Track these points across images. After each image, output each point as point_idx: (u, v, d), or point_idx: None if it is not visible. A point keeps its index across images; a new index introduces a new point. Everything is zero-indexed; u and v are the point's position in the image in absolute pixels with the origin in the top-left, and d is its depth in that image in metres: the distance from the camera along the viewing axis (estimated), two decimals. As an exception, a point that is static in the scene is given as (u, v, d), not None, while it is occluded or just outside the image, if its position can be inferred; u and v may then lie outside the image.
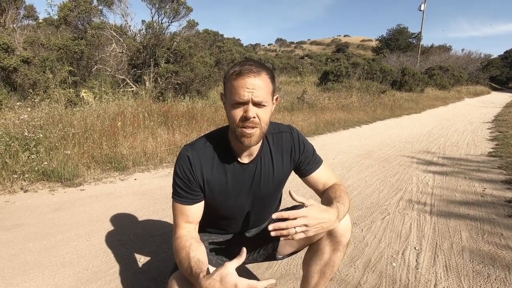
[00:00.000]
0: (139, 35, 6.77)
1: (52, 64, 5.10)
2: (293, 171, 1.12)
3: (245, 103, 0.85)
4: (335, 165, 3.71)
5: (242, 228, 1.15)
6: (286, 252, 1.14)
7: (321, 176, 1.09)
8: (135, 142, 3.77)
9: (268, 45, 56.70)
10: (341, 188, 1.02)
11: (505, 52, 41.13)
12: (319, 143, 4.94)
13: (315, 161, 1.09)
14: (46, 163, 2.91)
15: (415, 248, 1.86)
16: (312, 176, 1.08)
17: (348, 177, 3.26)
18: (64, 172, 2.89)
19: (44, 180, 2.84)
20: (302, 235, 0.79)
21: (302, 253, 1.21)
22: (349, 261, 1.71)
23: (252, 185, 1.02)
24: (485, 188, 2.91)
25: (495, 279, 1.55)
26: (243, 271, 1.60)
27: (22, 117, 3.25)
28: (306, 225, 0.78)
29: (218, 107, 5.82)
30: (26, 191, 2.64)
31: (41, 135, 3.12)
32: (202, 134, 1.05)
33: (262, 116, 0.88)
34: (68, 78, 5.13)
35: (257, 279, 1.55)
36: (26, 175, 2.77)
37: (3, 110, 4.00)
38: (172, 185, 0.97)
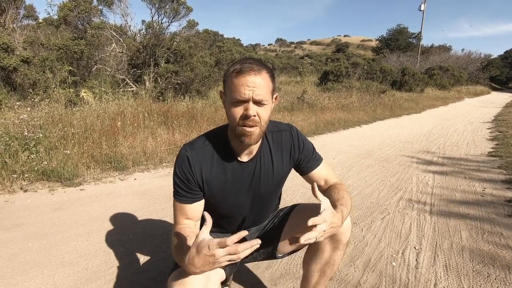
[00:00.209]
0: (139, 35, 6.77)
1: (52, 64, 5.10)
2: (294, 169, 1.12)
3: (246, 101, 0.85)
4: (335, 165, 3.71)
5: (242, 227, 1.15)
6: (286, 251, 1.14)
7: (322, 173, 1.09)
8: (135, 142, 3.77)
9: (268, 45, 56.72)
10: (343, 188, 1.02)
11: (505, 52, 41.14)
12: (319, 143, 4.94)
13: (315, 159, 1.09)
14: (45, 162, 2.91)
15: (415, 247, 1.86)
16: (313, 174, 1.08)
17: (348, 177, 3.26)
18: (63, 171, 2.89)
19: (43, 180, 2.84)
20: (319, 240, 0.80)
21: (302, 252, 1.21)
22: (349, 261, 1.71)
23: (252, 183, 1.02)
24: (485, 188, 2.91)
25: (495, 279, 1.55)
26: (243, 271, 1.59)
27: (21, 117, 3.25)
28: (324, 231, 0.79)
29: (218, 107, 5.82)
30: (25, 190, 2.64)
31: (41, 135, 3.12)
32: (202, 133, 1.05)
33: (262, 115, 0.87)
34: (68, 78, 5.13)
35: (257, 279, 1.55)
36: (26, 175, 2.76)
37: (2, 110, 4.00)
38: (173, 185, 0.97)
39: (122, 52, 6.52)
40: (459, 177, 3.27)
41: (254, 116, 0.85)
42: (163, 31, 6.63)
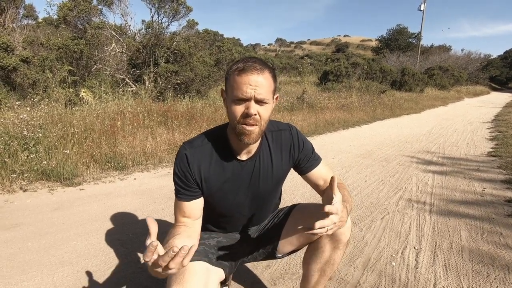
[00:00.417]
0: (138, 34, 6.77)
1: (52, 64, 5.09)
2: (293, 169, 1.12)
3: (247, 99, 0.85)
4: (335, 165, 3.71)
5: (242, 226, 1.15)
6: (286, 251, 1.14)
7: (321, 172, 1.09)
8: (135, 141, 3.77)
9: (268, 45, 56.70)
10: (343, 187, 1.03)
11: (504, 52, 41.16)
12: (319, 143, 4.94)
13: (315, 159, 1.09)
14: (45, 162, 2.90)
15: (414, 247, 1.86)
16: (312, 173, 1.08)
17: (348, 177, 3.26)
18: (63, 171, 2.89)
19: (43, 180, 2.84)
20: (330, 232, 0.80)
21: (301, 252, 1.21)
22: (348, 261, 1.71)
23: (251, 182, 1.02)
24: (484, 188, 2.91)
25: (495, 279, 1.55)
26: (243, 270, 1.59)
27: (21, 117, 3.25)
28: (334, 223, 0.79)
29: (217, 106, 5.82)
30: (25, 190, 2.64)
31: (41, 135, 3.12)
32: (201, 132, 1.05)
33: (262, 114, 0.87)
34: (67, 77, 5.12)
35: (257, 279, 1.55)
36: (25, 175, 2.76)
37: (2, 110, 4.00)
38: (173, 183, 0.98)
39: (122, 52, 6.51)
40: (459, 177, 3.27)
41: (255, 115, 0.85)
42: (163, 31, 6.63)
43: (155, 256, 0.63)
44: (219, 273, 0.95)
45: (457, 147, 4.82)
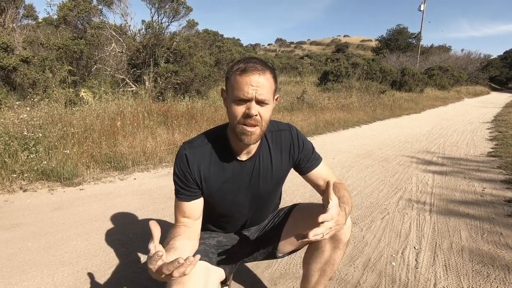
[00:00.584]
0: (138, 34, 6.77)
1: (52, 64, 5.10)
2: (293, 169, 1.11)
3: (248, 100, 0.85)
4: (335, 165, 3.71)
5: (242, 226, 1.15)
6: (286, 251, 1.14)
7: (322, 172, 1.09)
8: (135, 141, 3.77)
9: (268, 45, 56.74)
10: (343, 187, 1.02)
11: (504, 53, 41.18)
12: (319, 143, 4.94)
13: (315, 159, 1.09)
14: (45, 162, 2.90)
15: (414, 247, 1.86)
16: (312, 173, 1.08)
17: (348, 177, 3.26)
18: (63, 171, 2.89)
19: (43, 180, 2.84)
20: (327, 237, 0.79)
21: (302, 252, 1.20)
22: (348, 261, 1.71)
23: (251, 182, 1.02)
24: (484, 188, 2.91)
25: (495, 279, 1.55)
26: (243, 270, 1.59)
27: (21, 117, 3.25)
28: (330, 228, 0.78)
29: (217, 107, 5.82)
30: (25, 190, 2.64)
31: (41, 135, 3.11)
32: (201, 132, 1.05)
33: (263, 115, 0.87)
34: (67, 77, 5.12)
35: (257, 279, 1.55)
36: (25, 175, 2.76)
37: (2, 110, 4.00)
38: (174, 183, 0.98)
39: (122, 52, 6.52)
40: (459, 177, 3.27)
41: (256, 115, 0.85)
42: (163, 31, 6.63)
43: (159, 263, 0.64)
44: (219, 273, 0.95)
45: (457, 147, 4.82)
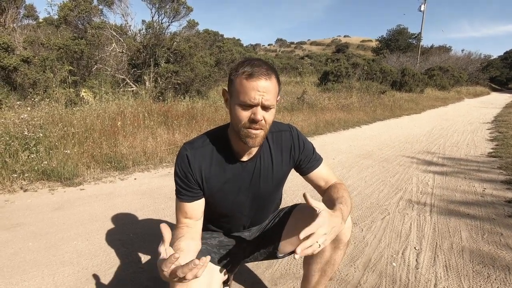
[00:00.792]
0: (139, 35, 6.78)
1: (52, 64, 5.10)
2: (294, 169, 1.11)
3: (254, 105, 0.84)
4: (335, 165, 3.71)
5: (243, 227, 1.15)
6: (287, 251, 1.14)
7: (322, 173, 1.08)
8: (135, 141, 3.77)
9: (268, 45, 56.78)
10: (343, 188, 1.02)
11: (505, 53, 41.17)
12: (319, 143, 4.94)
13: (316, 159, 1.09)
14: (46, 162, 2.90)
15: (415, 248, 1.86)
16: (313, 174, 1.08)
17: (348, 177, 3.26)
18: (64, 171, 2.89)
19: (43, 180, 2.84)
20: (323, 246, 0.77)
21: (302, 252, 1.20)
22: (349, 261, 1.71)
23: (251, 183, 1.02)
24: (485, 188, 2.91)
25: (495, 279, 1.55)
26: (244, 271, 1.59)
27: (22, 117, 3.25)
28: (325, 234, 0.77)
29: (218, 107, 5.82)
30: (25, 190, 2.64)
31: (41, 135, 3.12)
32: (202, 132, 1.05)
33: (268, 119, 0.88)
34: (68, 77, 5.13)
35: (258, 279, 1.55)
36: (26, 175, 2.76)
37: (3, 110, 4.00)
38: (175, 183, 0.98)
39: (122, 52, 6.52)
40: (459, 178, 3.27)
41: (261, 120, 0.85)
42: (163, 31, 6.64)
43: (173, 267, 0.66)
44: (221, 273, 0.95)
45: (458, 147, 4.82)
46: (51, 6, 6.23)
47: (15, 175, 2.71)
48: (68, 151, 3.10)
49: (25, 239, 1.88)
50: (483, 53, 37.15)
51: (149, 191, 2.76)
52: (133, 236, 1.94)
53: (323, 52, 39.22)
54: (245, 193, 1.03)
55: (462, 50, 34.56)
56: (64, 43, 5.43)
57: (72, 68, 5.37)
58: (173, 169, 1.00)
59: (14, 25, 7.58)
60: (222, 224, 1.12)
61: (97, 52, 6.07)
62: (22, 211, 2.26)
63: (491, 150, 4.53)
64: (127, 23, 6.73)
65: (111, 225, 2.09)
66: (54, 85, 4.81)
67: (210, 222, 1.12)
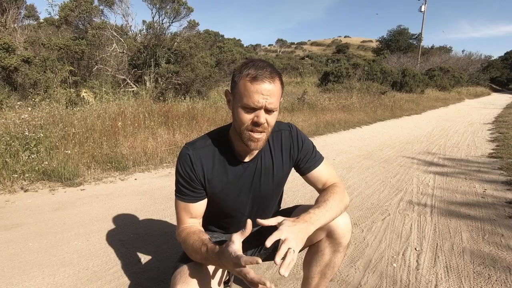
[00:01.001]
0: (139, 35, 6.79)
1: (53, 64, 5.11)
2: (294, 169, 1.11)
3: (258, 109, 0.84)
4: (336, 166, 3.71)
5: (243, 227, 1.14)
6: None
7: (322, 174, 1.07)
8: (136, 142, 3.77)
9: (269, 45, 56.85)
10: (334, 191, 0.99)
11: (505, 54, 41.14)
12: (320, 143, 4.94)
13: (315, 159, 1.08)
14: (46, 162, 2.91)
15: (415, 249, 1.85)
16: (312, 174, 1.07)
17: (349, 178, 3.26)
18: (64, 171, 2.89)
19: (44, 180, 2.84)
20: (294, 256, 0.75)
21: (302, 254, 1.20)
22: (349, 262, 1.71)
23: (253, 183, 1.02)
24: (485, 189, 2.91)
25: (496, 280, 1.55)
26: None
27: (22, 117, 3.25)
28: (289, 248, 0.74)
29: (218, 107, 5.82)
30: (26, 190, 2.64)
31: (42, 135, 3.12)
32: (203, 133, 1.05)
33: (270, 121, 0.88)
34: (68, 78, 5.14)
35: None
36: (27, 175, 2.77)
37: (3, 110, 4.01)
38: (175, 184, 0.97)
39: (123, 52, 6.53)
40: (460, 178, 3.27)
41: (264, 123, 0.85)
42: (164, 31, 6.65)
43: (254, 276, 0.71)
44: (222, 273, 0.95)
45: (458, 148, 4.81)
46: (52, 7, 6.26)
47: (16, 175, 2.72)
48: (69, 152, 3.10)
49: (26, 239, 1.88)
50: (484, 54, 37.21)
51: (150, 191, 2.76)
52: (133, 237, 1.94)
53: (324, 53, 39.25)
54: (246, 193, 1.03)
55: (463, 51, 34.55)
56: (64, 44, 5.44)
57: (72, 68, 5.38)
58: (173, 169, 1.01)
59: (15, 25, 7.59)
60: (223, 224, 1.12)
61: (97, 53, 6.08)
62: (22, 211, 2.26)
63: (492, 151, 4.52)
64: (128, 24, 6.75)
65: (111, 226, 2.09)
66: (54, 85, 4.82)
67: (211, 222, 1.12)
